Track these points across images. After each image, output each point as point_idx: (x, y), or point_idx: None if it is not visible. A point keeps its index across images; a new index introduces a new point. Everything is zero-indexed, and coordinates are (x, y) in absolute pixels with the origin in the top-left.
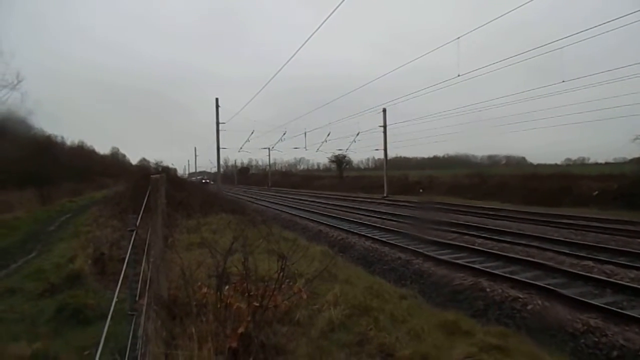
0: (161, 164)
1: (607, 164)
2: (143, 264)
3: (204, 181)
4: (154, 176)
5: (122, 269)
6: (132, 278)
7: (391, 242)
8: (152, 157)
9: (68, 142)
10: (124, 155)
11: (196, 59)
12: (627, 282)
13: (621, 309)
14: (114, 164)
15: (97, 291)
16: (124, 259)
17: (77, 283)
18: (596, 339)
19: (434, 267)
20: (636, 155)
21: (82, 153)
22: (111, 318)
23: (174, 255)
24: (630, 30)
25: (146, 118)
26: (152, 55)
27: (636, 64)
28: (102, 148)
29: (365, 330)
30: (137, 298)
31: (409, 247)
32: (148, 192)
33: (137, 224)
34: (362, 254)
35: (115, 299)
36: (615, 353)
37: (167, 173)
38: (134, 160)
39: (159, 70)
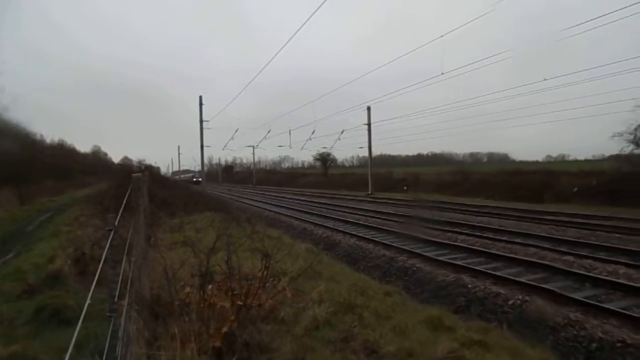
0: (144, 162)
1: (586, 160)
2: (124, 264)
3: (194, 179)
4: (135, 174)
5: (103, 269)
6: (111, 278)
7: (376, 239)
8: (135, 156)
9: (48, 140)
10: (106, 154)
11: (179, 56)
12: (606, 276)
13: (600, 302)
14: (96, 162)
15: (78, 292)
16: (106, 258)
17: (57, 284)
18: (576, 332)
19: (419, 263)
20: (614, 152)
21: (63, 151)
22: (93, 319)
23: (157, 255)
24: (612, 28)
25: (128, 116)
26: (134, 53)
27: (614, 62)
28: (83, 146)
29: (349, 327)
30: (116, 299)
31: (394, 245)
32: (129, 190)
33: (117, 223)
34: (347, 252)
35: (88, 301)
36: (594, 345)
37: (150, 171)
38: (116, 158)
39: (141, 67)
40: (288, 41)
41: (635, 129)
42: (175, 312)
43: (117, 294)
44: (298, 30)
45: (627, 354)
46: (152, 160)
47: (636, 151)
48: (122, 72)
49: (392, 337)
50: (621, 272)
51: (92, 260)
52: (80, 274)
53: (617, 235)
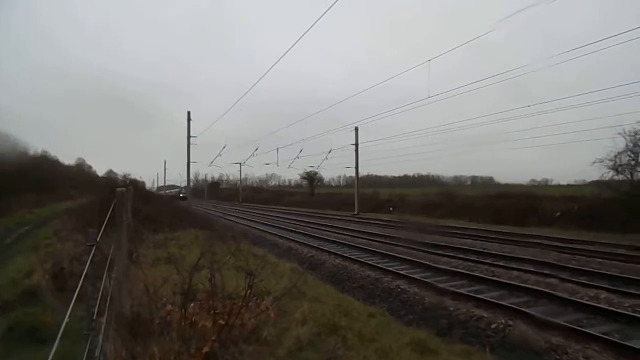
0: (129, 177)
1: (568, 185)
2: (104, 280)
3: (181, 195)
4: (119, 189)
5: (88, 285)
6: (90, 295)
7: (361, 259)
8: (120, 169)
9: (31, 152)
10: (90, 167)
11: (167, 71)
12: (587, 300)
13: (581, 327)
14: (80, 175)
15: (56, 308)
16: (87, 275)
17: (33, 300)
18: (558, 357)
19: (403, 285)
20: (595, 178)
21: (46, 163)
22: (71, 337)
23: (139, 271)
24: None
25: (114, 129)
26: (120, 66)
27: (598, 90)
28: (67, 158)
29: (333, 349)
30: (94, 316)
31: (379, 265)
32: (112, 205)
33: (98, 238)
34: (331, 272)
35: (66, 319)
36: None
37: (135, 186)
38: (100, 172)
39: (128, 81)
40: (278, 60)
41: (615, 156)
42: (156, 330)
43: (95, 312)
44: (289, 49)
45: None
46: (137, 174)
47: (616, 177)
48: (109, 84)
49: None
50: (602, 297)
51: (71, 276)
52: (59, 290)
53: (598, 259)
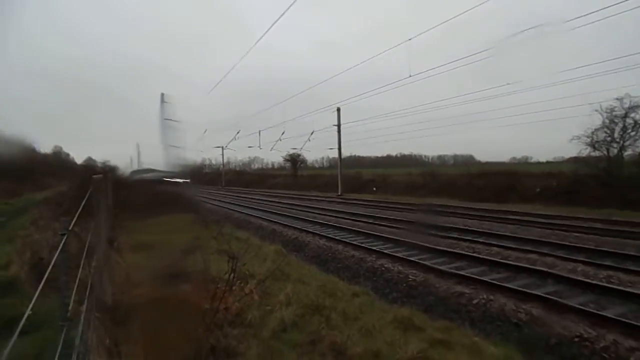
0: (108, 163)
1: (547, 162)
2: (81, 269)
3: (176, 180)
4: (96, 176)
5: (74, 274)
6: (63, 285)
7: (345, 240)
8: (99, 157)
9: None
10: (68, 154)
11: (147, 52)
12: (566, 273)
13: (560, 298)
14: (57, 163)
15: (35, 299)
16: (59, 264)
17: (11, 291)
18: (538, 328)
19: (387, 264)
20: (573, 155)
21: (21, 151)
22: (54, 327)
23: (120, 258)
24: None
25: (94, 114)
26: (99, 44)
27: (576, 68)
28: (44, 146)
29: (317, 329)
30: (70, 306)
31: (363, 245)
32: (88, 192)
33: (71, 227)
34: (316, 253)
35: (28, 311)
36: (553, 340)
37: (114, 172)
38: (79, 159)
39: (107, 61)
40: (257, 42)
41: (592, 133)
42: (138, 317)
43: (71, 301)
44: (267, 31)
45: (583, 348)
46: (117, 161)
47: (593, 154)
48: (87, 67)
49: (360, 339)
50: (579, 270)
51: (54, 265)
52: (38, 281)
53: (575, 234)
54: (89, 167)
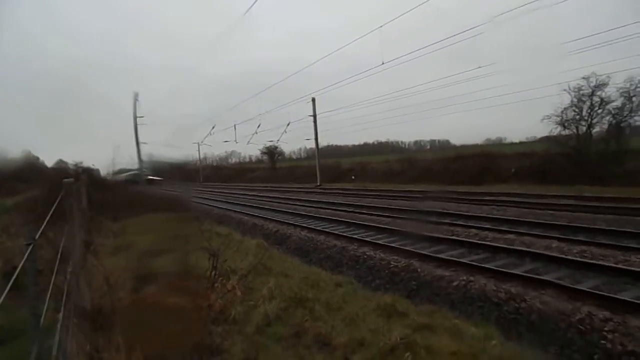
0: (81, 165)
1: (521, 143)
2: (54, 276)
3: (154, 179)
4: (66, 180)
5: (49, 282)
6: (32, 295)
7: (326, 230)
8: (71, 158)
9: None
10: (38, 158)
11: (115, 48)
12: (542, 250)
13: (538, 275)
14: (26, 167)
15: (9, 309)
16: (41, 270)
17: None
18: (517, 305)
19: (369, 251)
20: (544, 135)
21: None
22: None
23: (97, 262)
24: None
25: (61, 114)
26: (63, 44)
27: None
28: (10, 151)
29: (301, 321)
30: (42, 317)
31: (344, 234)
32: (59, 198)
33: (38, 235)
34: (298, 245)
35: None
36: (533, 316)
37: (89, 174)
38: (50, 162)
39: (72, 62)
40: (228, 33)
41: (562, 112)
42: (119, 320)
43: (44, 310)
44: (237, 21)
45: (561, 322)
46: (90, 162)
47: (563, 132)
48: (52, 68)
49: (344, 328)
50: (554, 246)
51: (26, 274)
52: (13, 290)
53: (550, 212)
54: (60, 169)
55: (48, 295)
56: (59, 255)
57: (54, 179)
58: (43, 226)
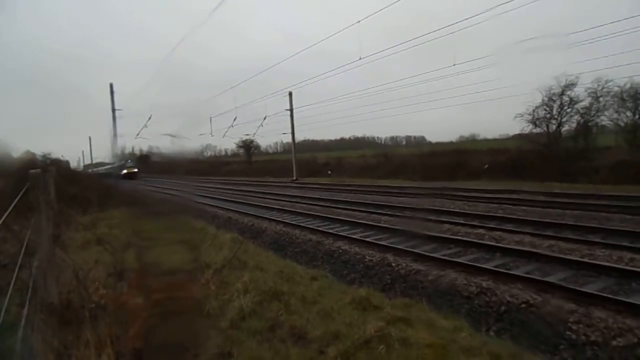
0: (49, 157)
1: (494, 140)
2: (17, 269)
3: (124, 171)
4: (33, 171)
5: (12, 276)
6: None
7: (302, 224)
8: (39, 149)
9: None
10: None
11: (89, 39)
12: (513, 245)
13: (508, 269)
14: None
15: None
16: (5, 265)
17: None
18: (487, 299)
19: (345, 246)
20: (517, 132)
21: None
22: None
23: (66, 256)
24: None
25: (30, 102)
26: (36, 31)
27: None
28: None
29: (276, 315)
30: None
31: (320, 229)
32: (24, 189)
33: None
34: (273, 239)
35: None
36: (503, 308)
37: (58, 166)
38: (16, 153)
39: (45, 49)
40: (201, 24)
41: (533, 110)
42: (88, 317)
43: (5, 304)
44: (213, 10)
45: (529, 313)
46: (59, 153)
47: (534, 130)
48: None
49: (319, 322)
50: (526, 241)
51: None
52: None
53: (523, 207)
54: (27, 160)
55: (9, 291)
56: (23, 249)
57: (19, 170)
58: (4, 217)
